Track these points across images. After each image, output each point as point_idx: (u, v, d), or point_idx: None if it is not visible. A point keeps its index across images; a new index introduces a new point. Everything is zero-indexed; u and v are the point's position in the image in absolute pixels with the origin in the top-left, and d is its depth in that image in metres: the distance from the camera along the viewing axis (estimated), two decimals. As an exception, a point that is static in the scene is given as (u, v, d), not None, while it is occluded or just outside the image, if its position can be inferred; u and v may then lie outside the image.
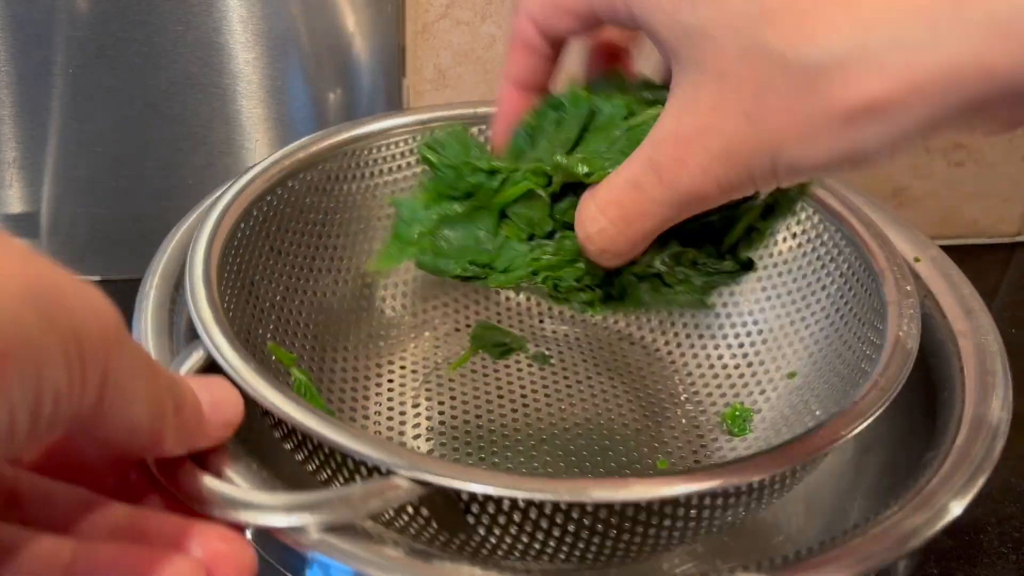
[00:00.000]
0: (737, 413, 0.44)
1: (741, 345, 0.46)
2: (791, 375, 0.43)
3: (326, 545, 0.29)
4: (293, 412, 0.31)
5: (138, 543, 0.26)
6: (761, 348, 0.45)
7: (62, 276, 0.22)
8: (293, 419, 0.31)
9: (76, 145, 0.59)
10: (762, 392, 0.44)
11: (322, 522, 0.28)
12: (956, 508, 0.33)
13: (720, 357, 0.47)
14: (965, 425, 0.37)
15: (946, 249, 0.48)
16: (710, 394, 0.46)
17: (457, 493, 0.30)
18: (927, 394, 0.42)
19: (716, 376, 0.46)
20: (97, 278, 0.64)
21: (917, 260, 0.46)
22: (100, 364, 0.22)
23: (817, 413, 0.40)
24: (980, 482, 0.34)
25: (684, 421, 0.44)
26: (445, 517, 0.32)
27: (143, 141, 0.60)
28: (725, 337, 0.47)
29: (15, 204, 0.61)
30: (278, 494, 0.28)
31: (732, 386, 0.45)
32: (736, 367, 0.46)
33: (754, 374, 0.45)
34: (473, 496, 0.30)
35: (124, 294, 0.43)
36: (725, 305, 0.47)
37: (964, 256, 0.49)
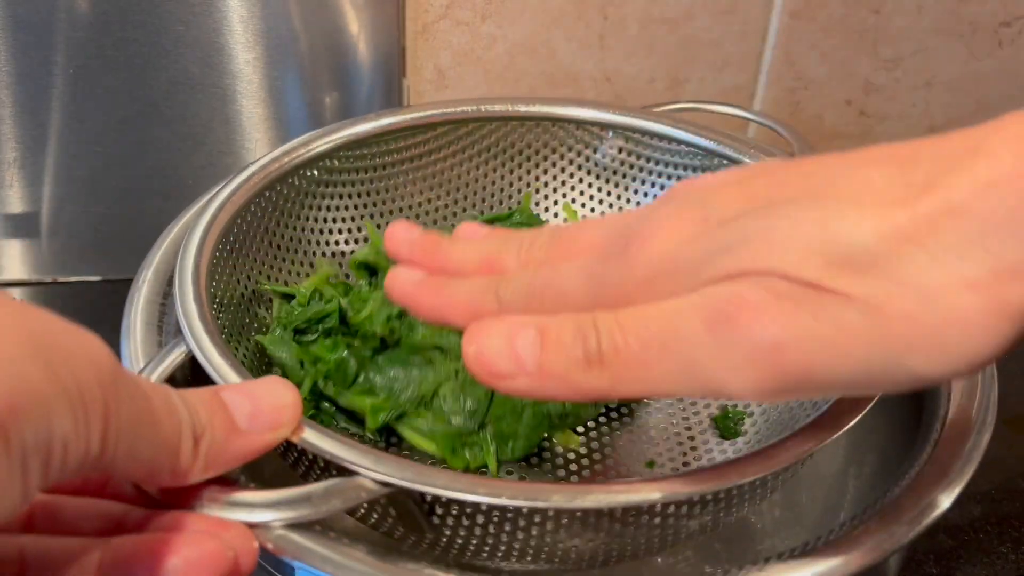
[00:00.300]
0: (728, 416, 0.43)
1: None
2: None
3: (286, 542, 0.29)
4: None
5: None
6: None
7: (58, 325, 0.22)
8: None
9: (76, 145, 0.59)
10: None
11: (283, 519, 0.28)
12: (924, 519, 0.33)
13: None
14: (946, 434, 0.37)
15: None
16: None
17: (420, 495, 0.30)
18: (915, 400, 0.42)
19: None
20: (97, 278, 0.64)
21: None
22: (99, 409, 0.22)
23: (802, 421, 0.40)
24: (955, 492, 0.35)
25: (675, 423, 0.44)
26: (411, 517, 0.32)
27: (143, 141, 0.60)
28: None
29: (15, 204, 0.61)
30: (240, 491, 0.28)
31: None
32: None
33: None
34: (436, 498, 0.30)
35: (124, 294, 0.43)
36: None
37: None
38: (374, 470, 0.29)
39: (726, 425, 0.43)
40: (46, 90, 0.57)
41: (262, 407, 0.28)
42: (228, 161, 0.61)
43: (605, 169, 0.51)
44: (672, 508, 0.31)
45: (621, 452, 0.43)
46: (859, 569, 0.32)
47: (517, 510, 0.30)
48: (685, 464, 0.43)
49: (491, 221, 0.50)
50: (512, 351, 0.27)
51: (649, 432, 0.44)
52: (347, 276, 0.48)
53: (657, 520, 0.32)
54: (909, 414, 0.42)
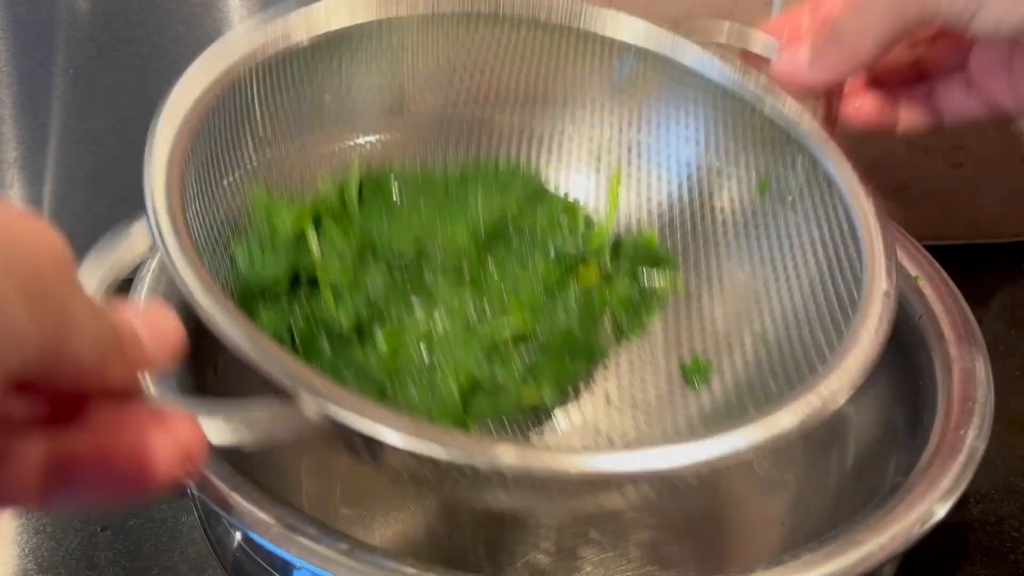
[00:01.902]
0: (699, 365, 0.43)
1: (723, 293, 0.45)
2: (762, 338, 0.42)
3: (288, 542, 0.29)
4: (223, 325, 0.30)
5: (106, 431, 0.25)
6: (740, 305, 0.44)
7: (14, 215, 0.21)
8: (222, 332, 0.30)
9: (76, 145, 0.59)
10: (729, 351, 0.43)
11: (217, 435, 0.27)
12: (919, 528, 0.34)
13: (699, 309, 0.45)
14: (940, 452, 0.38)
15: (945, 249, 0.48)
16: (678, 336, 0.44)
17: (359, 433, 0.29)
18: (912, 416, 0.42)
19: (689, 322, 0.45)
20: (97, 278, 0.64)
21: (916, 279, 0.46)
22: (59, 302, 0.21)
23: (773, 389, 0.39)
24: (950, 502, 0.35)
25: (639, 363, 0.44)
26: (352, 446, 0.32)
27: (143, 141, 0.60)
28: (709, 288, 0.45)
29: (15, 204, 0.61)
30: (179, 398, 0.28)
31: (702, 335, 0.44)
32: (712, 321, 0.44)
33: (727, 332, 0.44)
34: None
35: (123, 294, 0.43)
36: (723, 244, 0.46)
37: (964, 256, 0.49)
38: (318, 401, 0.28)
39: (694, 374, 0.42)
40: (46, 90, 0.57)
41: (161, 330, 0.28)
42: (228, 161, 0.61)
43: (622, 91, 0.47)
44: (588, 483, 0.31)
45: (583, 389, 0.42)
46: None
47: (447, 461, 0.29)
48: (647, 401, 0.42)
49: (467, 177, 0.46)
50: None
51: (620, 368, 0.43)
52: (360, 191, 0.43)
53: (587, 486, 0.32)
54: (906, 422, 0.42)
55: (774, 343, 0.42)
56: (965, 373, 0.41)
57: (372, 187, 0.43)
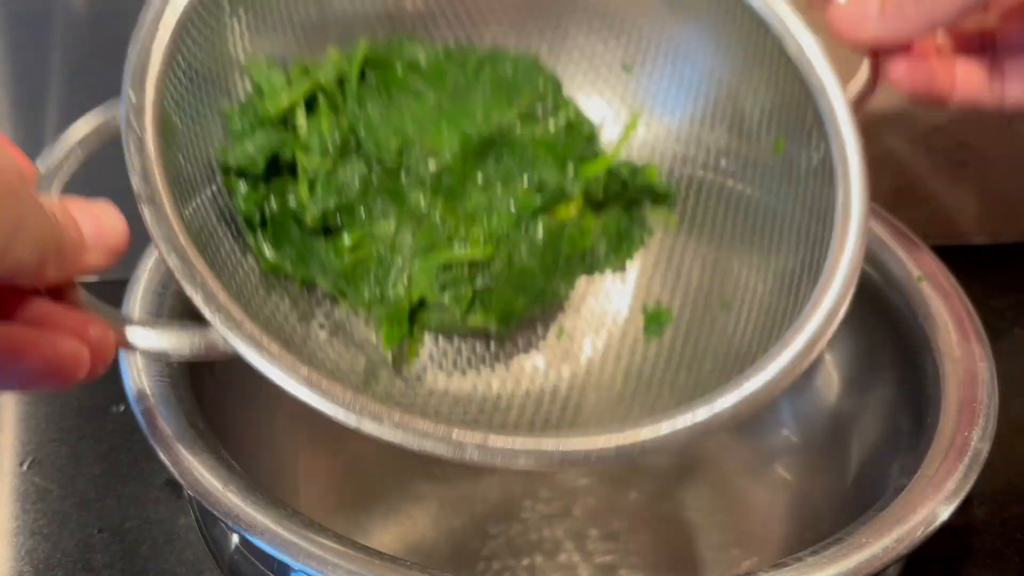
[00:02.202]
0: (660, 312, 0.41)
1: (705, 248, 0.43)
2: (724, 305, 0.40)
3: (283, 544, 0.29)
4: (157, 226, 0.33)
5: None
6: (716, 267, 0.42)
7: None
8: (155, 234, 0.33)
9: (74, 145, 0.59)
10: (693, 310, 0.41)
11: (135, 339, 0.30)
12: (922, 531, 0.34)
13: (681, 261, 0.43)
14: (944, 454, 0.38)
15: (949, 249, 0.48)
16: (650, 281, 0.42)
17: None
18: (915, 417, 0.42)
19: (666, 268, 0.43)
20: (96, 278, 0.64)
21: (920, 279, 0.46)
22: (11, 212, 0.23)
23: (706, 368, 0.38)
24: (948, 512, 0.35)
25: (602, 301, 0.42)
26: None
27: (142, 141, 0.60)
28: (696, 241, 0.43)
29: None
30: (104, 306, 0.30)
31: (673, 287, 0.42)
32: (688, 276, 0.42)
33: (697, 291, 0.42)
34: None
35: (123, 295, 0.42)
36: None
37: (966, 257, 0.49)
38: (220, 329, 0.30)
39: (652, 322, 0.41)
40: (42, 90, 0.57)
41: (103, 229, 0.29)
42: (227, 161, 0.61)
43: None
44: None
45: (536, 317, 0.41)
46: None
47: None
48: (594, 344, 0.41)
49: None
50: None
51: (582, 301, 0.42)
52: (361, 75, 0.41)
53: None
54: (909, 423, 0.42)
55: (732, 319, 0.40)
56: (969, 374, 0.41)
57: (378, 65, 0.41)
